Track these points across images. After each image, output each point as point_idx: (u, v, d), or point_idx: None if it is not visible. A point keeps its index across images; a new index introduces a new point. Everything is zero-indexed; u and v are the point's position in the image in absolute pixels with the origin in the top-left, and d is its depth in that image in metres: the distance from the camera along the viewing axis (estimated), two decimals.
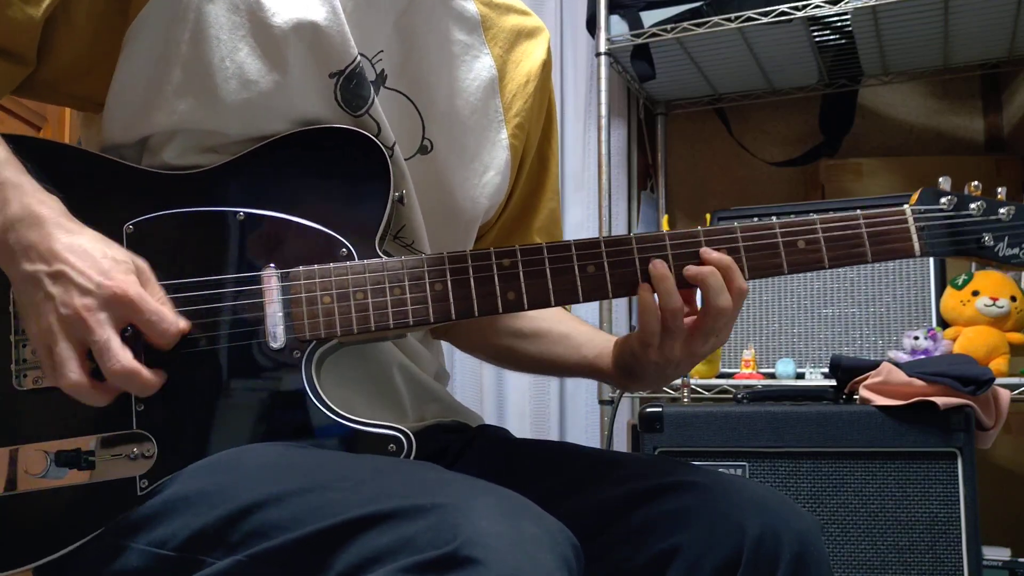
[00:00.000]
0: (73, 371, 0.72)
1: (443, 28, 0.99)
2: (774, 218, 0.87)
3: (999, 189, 0.89)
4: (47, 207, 0.75)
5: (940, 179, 0.89)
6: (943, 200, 0.87)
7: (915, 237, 0.86)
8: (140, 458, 0.78)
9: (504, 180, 1.04)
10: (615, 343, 0.98)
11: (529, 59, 1.08)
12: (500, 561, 0.59)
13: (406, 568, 0.59)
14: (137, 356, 0.74)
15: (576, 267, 0.84)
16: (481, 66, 1.02)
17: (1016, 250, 0.86)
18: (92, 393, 0.74)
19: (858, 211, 0.86)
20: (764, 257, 0.85)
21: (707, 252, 0.84)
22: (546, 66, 1.10)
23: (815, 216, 0.86)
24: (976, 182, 0.88)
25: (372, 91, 0.89)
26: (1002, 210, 0.87)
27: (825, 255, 0.85)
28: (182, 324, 0.78)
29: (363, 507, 0.64)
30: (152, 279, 0.78)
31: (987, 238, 0.86)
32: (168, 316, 0.76)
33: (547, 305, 0.84)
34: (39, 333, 0.74)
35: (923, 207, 0.86)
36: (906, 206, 0.86)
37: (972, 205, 0.87)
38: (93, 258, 0.74)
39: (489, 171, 1.02)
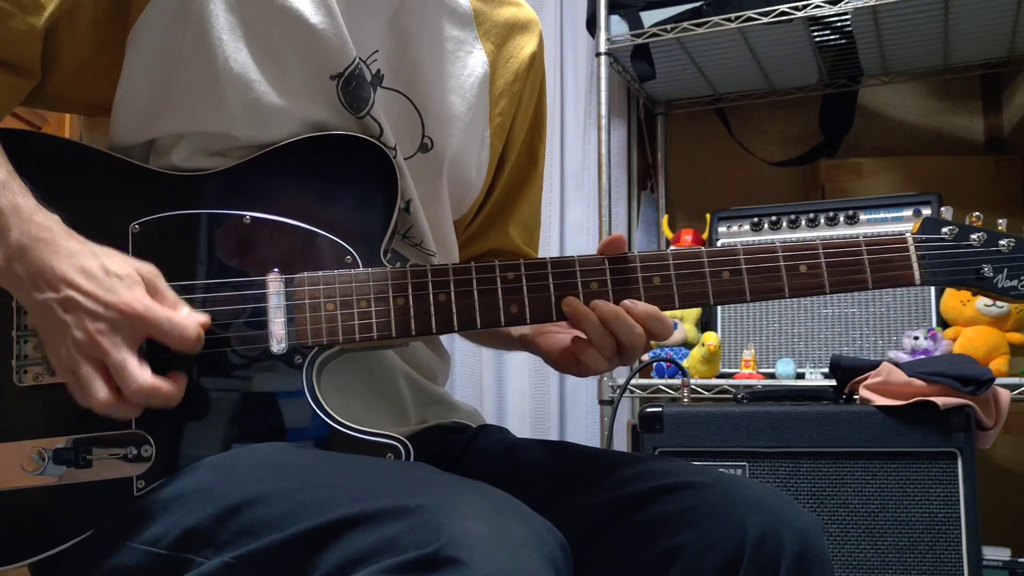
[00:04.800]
0: (100, 390, 0.72)
1: (436, 24, 0.98)
2: (770, 233, 0.87)
3: (1000, 220, 0.90)
4: (47, 230, 0.74)
5: (942, 208, 0.90)
6: (945, 230, 0.87)
7: (916, 265, 0.86)
8: (138, 459, 0.78)
9: (480, 179, 1.04)
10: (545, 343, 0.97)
11: (519, 56, 1.07)
12: (483, 561, 0.58)
13: (388, 569, 0.59)
14: (158, 366, 0.74)
15: (580, 283, 0.84)
16: (475, 61, 1.02)
17: (1015, 282, 0.87)
18: (122, 408, 0.74)
19: (860, 237, 0.87)
20: (766, 280, 0.85)
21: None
22: (535, 59, 1.09)
23: (817, 240, 0.87)
24: (977, 212, 0.88)
25: (371, 92, 0.89)
26: (1002, 242, 0.87)
27: (826, 280, 0.85)
28: (201, 319, 0.77)
29: (349, 507, 0.64)
30: (160, 285, 0.77)
31: (986, 269, 0.87)
32: (180, 321, 0.75)
33: (548, 320, 0.84)
34: (60, 360, 0.74)
35: (924, 236, 0.87)
36: (908, 234, 0.87)
37: (973, 236, 0.87)
38: (96, 278, 0.73)
39: (476, 169, 1.02)
